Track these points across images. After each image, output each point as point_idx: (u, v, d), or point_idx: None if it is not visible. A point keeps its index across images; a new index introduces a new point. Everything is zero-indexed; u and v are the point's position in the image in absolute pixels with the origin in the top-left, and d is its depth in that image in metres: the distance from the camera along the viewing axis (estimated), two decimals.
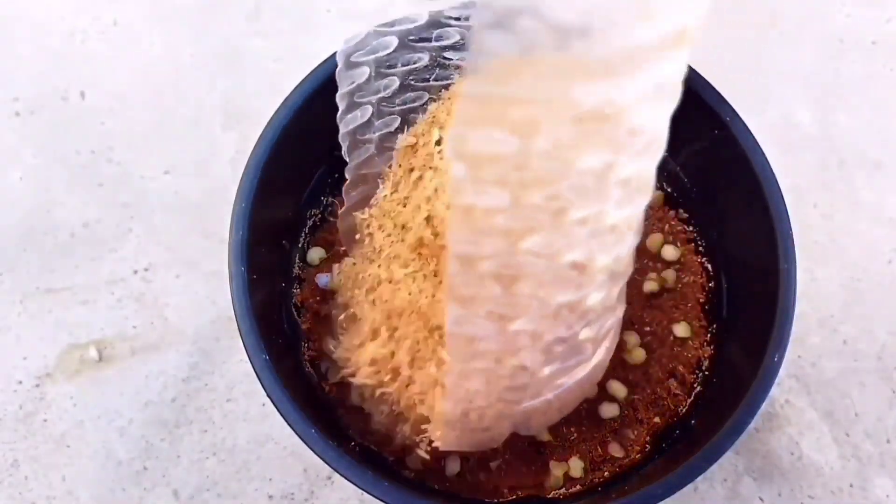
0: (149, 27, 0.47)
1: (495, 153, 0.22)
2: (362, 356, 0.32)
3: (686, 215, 0.39)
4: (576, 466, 0.35)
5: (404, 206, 0.31)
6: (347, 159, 0.35)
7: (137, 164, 0.45)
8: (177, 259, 0.43)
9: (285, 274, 0.37)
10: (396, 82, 0.34)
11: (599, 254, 0.26)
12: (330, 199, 0.39)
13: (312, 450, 0.30)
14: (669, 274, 0.38)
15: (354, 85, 0.33)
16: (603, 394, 0.36)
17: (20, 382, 0.41)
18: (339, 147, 0.38)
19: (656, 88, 0.23)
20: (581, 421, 0.36)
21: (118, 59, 0.47)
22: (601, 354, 0.31)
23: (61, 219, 0.44)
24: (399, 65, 0.33)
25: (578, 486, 0.35)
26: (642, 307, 0.38)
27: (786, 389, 0.41)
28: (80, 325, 0.42)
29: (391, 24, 0.33)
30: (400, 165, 0.32)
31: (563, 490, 0.35)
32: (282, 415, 0.30)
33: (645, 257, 0.38)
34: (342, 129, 0.34)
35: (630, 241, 0.27)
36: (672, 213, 0.39)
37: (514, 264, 0.25)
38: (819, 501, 0.39)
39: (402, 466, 0.35)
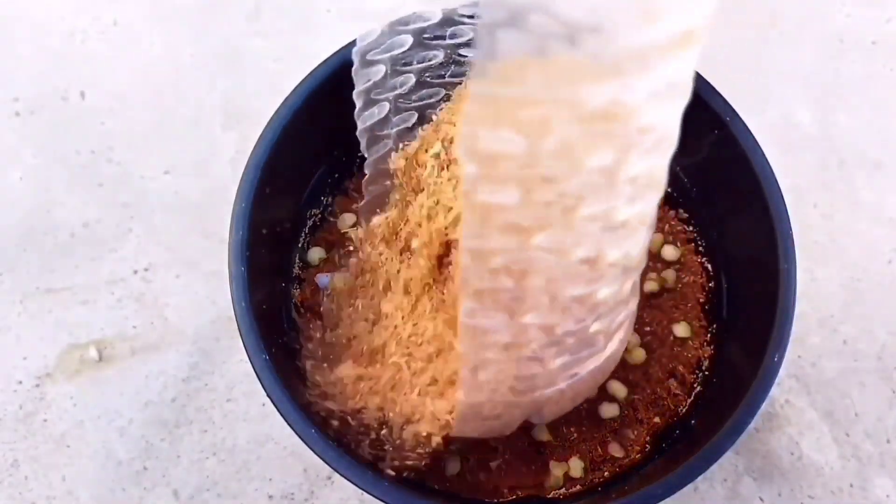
0: (149, 27, 0.47)
1: (505, 152, 0.23)
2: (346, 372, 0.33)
3: (686, 215, 0.39)
4: (576, 466, 0.35)
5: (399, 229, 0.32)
6: (366, 155, 0.35)
7: (137, 164, 0.45)
8: (177, 259, 0.43)
9: (285, 274, 0.37)
10: (412, 79, 0.34)
11: (610, 249, 0.26)
12: (330, 199, 0.39)
13: (312, 450, 0.30)
14: (669, 274, 0.38)
15: (371, 83, 0.33)
16: (603, 394, 0.36)
17: (20, 382, 0.41)
18: (338, 147, 0.38)
19: (666, 87, 0.23)
20: (581, 421, 0.36)
21: (118, 59, 0.47)
22: (614, 346, 0.31)
23: (61, 219, 0.44)
24: (414, 62, 0.34)
25: (578, 486, 0.35)
26: (642, 307, 0.38)
27: (786, 389, 0.41)
28: (80, 325, 0.42)
29: (406, 23, 0.33)
30: (402, 184, 0.33)
31: (563, 490, 0.35)
32: (282, 415, 0.30)
33: None
34: (360, 126, 0.34)
35: (643, 236, 0.28)
36: (672, 213, 0.39)
37: (525, 259, 0.25)
38: (819, 501, 0.39)
39: (402, 466, 0.35)
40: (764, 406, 0.31)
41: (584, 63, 0.21)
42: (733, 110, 0.34)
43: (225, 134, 0.45)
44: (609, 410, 0.36)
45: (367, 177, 0.35)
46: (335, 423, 0.34)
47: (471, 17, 0.34)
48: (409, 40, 0.33)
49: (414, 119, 0.35)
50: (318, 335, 0.36)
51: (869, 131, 0.45)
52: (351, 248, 0.37)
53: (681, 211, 0.39)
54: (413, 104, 0.35)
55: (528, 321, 0.27)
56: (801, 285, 0.32)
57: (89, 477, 0.40)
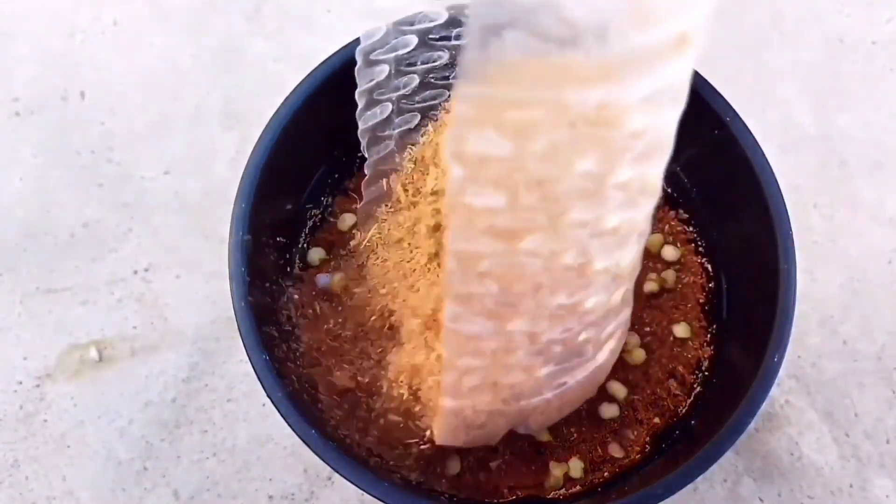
0: (149, 27, 0.47)
1: (492, 155, 0.22)
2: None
3: (686, 215, 0.39)
4: (575, 467, 0.35)
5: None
6: (367, 155, 0.35)
7: (137, 164, 0.45)
8: (177, 259, 0.43)
9: (285, 274, 0.37)
10: (416, 80, 0.34)
11: (599, 256, 0.26)
12: (330, 199, 0.39)
13: (312, 450, 0.30)
14: (669, 274, 0.38)
15: (374, 82, 0.33)
16: (603, 394, 0.36)
17: (20, 383, 0.41)
18: (338, 147, 0.38)
19: (658, 93, 0.23)
20: (581, 421, 0.36)
21: (118, 59, 0.47)
22: (604, 356, 0.31)
23: (61, 219, 0.44)
24: (419, 63, 0.34)
25: (578, 487, 0.35)
26: (642, 307, 0.38)
27: (786, 390, 0.41)
28: (80, 326, 0.42)
29: (410, 23, 0.33)
30: (406, 191, 0.33)
31: (562, 490, 0.35)
32: (282, 415, 0.30)
33: (645, 257, 0.38)
34: (361, 126, 0.34)
35: (634, 245, 0.27)
36: (672, 213, 0.39)
37: (511, 264, 0.25)
38: (819, 502, 0.39)
39: (402, 467, 0.35)
40: (764, 406, 0.31)
41: (573, 66, 0.21)
42: (733, 110, 0.34)
43: (225, 134, 0.45)
44: (609, 411, 0.36)
45: (367, 178, 0.35)
46: (332, 422, 0.34)
47: None
48: (413, 40, 0.33)
49: (417, 120, 0.34)
50: (318, 335, 0.36)
51: (869, 131, 0.45)
52: (351, 248, 0.37)
53: (681, 211, 0.39)
54: (416, 105, 0.34)
55: (514, 328, 0.27)
56: (801, 285, 0.32)
57: (89, 477, 0.40)
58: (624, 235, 0.26)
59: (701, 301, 0.38)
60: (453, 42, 0.34)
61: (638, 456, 0.36)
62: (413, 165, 0.33)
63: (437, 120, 0.34)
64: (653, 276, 0.38)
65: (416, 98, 0.34)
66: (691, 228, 0.39)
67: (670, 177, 0.39)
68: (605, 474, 0.35)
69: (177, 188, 0.44)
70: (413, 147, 0.34)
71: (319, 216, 0.39)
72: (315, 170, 0.38)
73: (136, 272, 0.43)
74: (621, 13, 0.20)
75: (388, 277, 0.33)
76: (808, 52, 0.47)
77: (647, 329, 0.37)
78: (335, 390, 0.35)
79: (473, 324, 0.26)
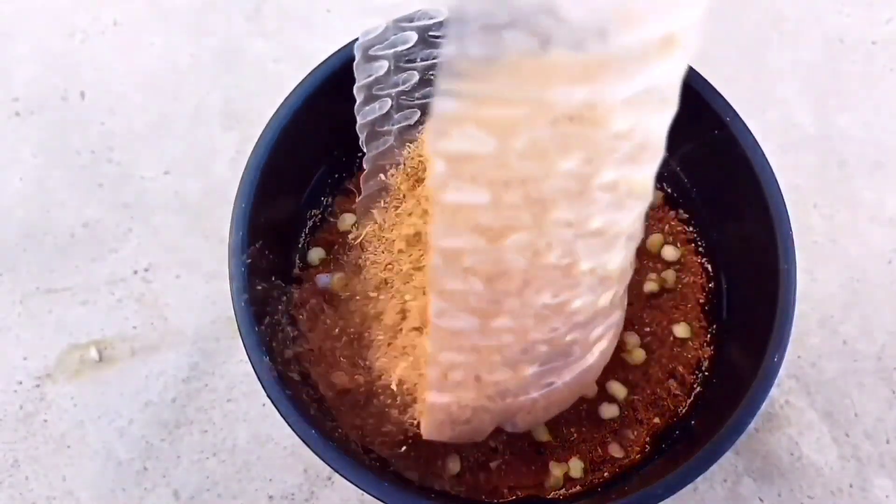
0: (149, 27, 0.47)
1: (474, 151, 0.22)
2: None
3: (686, 215, 0.39)
4: (575, 467, 0.35)
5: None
6: (365, 150, 0.35)
7: (137, 164, 0.45)
8: (177, 259, 0.43)
9: (285, 274, 0.37)
10: (416, 77, 0.34)
11: (586, 257, 0.26)
12: (330, 199, 0.39)
13: (312, 450, 0.30)
14: (669, 274, 0.38)
15: (373, 78, 0.33)
16: (603, 394, 0.36)
17: (20, 383, 0.41)
18: (338, 147, 0.38)
19: (645, 94, 0.22)
20: (581, 421, 0.36)
21: (118, 59, 0.47)
22: (594, 358, 0.30)
23: (61, 219, 0.44)
24: (418, 59, 0.34)
25: (578, 487, 0.35)
26: (642, 307, 0.38)
27: (786, 390, 0.41)
28: (80, 326, 0.42)
29: (410, 20, 0.33)
30: (401, 187, 0.33)
31: (562, 490, 0.35)
32: (282, 415, 0.30)
33: (645, 257, 0.38)
34: (360, 120, 0.34)
35: (622, 248, 0.27)
36: (672, 213, 0.39)
37: (495, 261, 0.25)
38: (819, 502, 0.39)
39: (402, 466, 0.35)
40: (764, 406, 0.31)
41: (556, 64, 0.21)
42: (733, 110, 0.34)
43: (225, 134, 0.45)
44: (609, 411, 0.36)
45: (365, 172, 0.35)
46: (332, 422, 0.34)
47: None
48: (413, 37, 0.33)
49: (416, 116, 0.34)
50: (318, 335, 0.36)
51: (869, 131, 0.45)
52: (351, 248, 0.37)
53: (681, 211, 0.39)
54: (416, 102, 0.34)
55: (499, 325, 0.26)
56: (801, 286, 0.32)
57: (89, 477, 0.40)
58: (612, 237, 0.26)
59: (701, 301, 0.38)
60: None
61: (638, 456, 0.36)
62: (411, 161, 0.33)
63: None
64: (653, 276, 0.38)
65: (416, 94, 0.34)
66: (691, 228, 0.39)
67: (670, 177, 0.39)
68: (605, 474, 0.35)
69: (177, 188, 0.44)
70: (412, 143, 0.34)
71: (319, 216, 0.39)
72: (315, 170, 0.38)
73: (136, 272, 0.43)
74: (606, 13, 0.20)
75: (387, 276, 0.33)
76: (808, 52, 0.47)
77: (647, 329, 0.37)
78: (335, 390, 0.35)
79: (458, 319, 0.26)
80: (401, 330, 0.32)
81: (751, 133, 0.33)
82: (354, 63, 0.33)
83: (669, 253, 0.38)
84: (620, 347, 0.35)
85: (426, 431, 0.31)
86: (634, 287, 0.38)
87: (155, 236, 0.43)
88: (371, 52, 0.33)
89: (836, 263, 0.43)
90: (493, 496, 0.35)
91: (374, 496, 0.29)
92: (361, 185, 0.36)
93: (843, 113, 0.46)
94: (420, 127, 0.34)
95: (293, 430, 0.30)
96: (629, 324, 0.37)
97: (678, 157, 0.38)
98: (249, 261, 0.32)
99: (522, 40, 0.20)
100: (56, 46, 0.47)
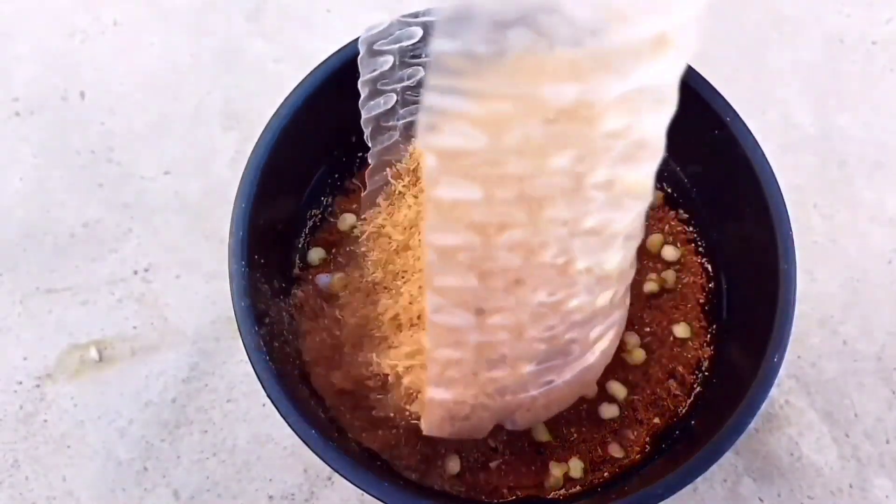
0: (149, 27, 0.47)
1: (465, 147, 0.22)
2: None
3: (686, 215, 0.39)
4: (575, 467, 0.35)
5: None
6: (370, 144, 0.35)
7: (137, 164, 0.45)
8: (177, 259, 0.43)
9: (285, 274, 0.37)
10: (421, 72, 0.34)
11: (582, 256, 0.25)
12: (330, 199, 0.39)
13: (312, 450, 0.30)
14: (669, 274, 0.38)
15: (377, 73, 0.33)
16: (603, 394, 0.36)
17: (20, 383, 0.41)
18: (338, 147, 0.38)
19: (638, 93, 0.22)
20: (581, 421, 0.36)
21: (118, 59, 0.47)
22: (594, 357, 0.30)
23: (61, 219, 0.44)
24: (423, 55, 0.33)
25: (578, 487, 0.35)
26: (642, 307, 0.38)
27: (786, 390, 0.41)
28: (80, 326, 0.42)
29: (416, 15, 0.33)
30: (403, 181, 0.33)
31: (562, 490, 0.35)
32: (282, 415, 0.30)
33: (645, 257, 0.38)
34: (364, 115, 0.34)
35: (620, 247, 0.27)
36: (672, 213, 0.39)
37: (489, 258, 0.25)
38: (819, 502, 0.39)
39: (402, 466, 0.35)
40: (764, 406, 0.31)
41: (548, 62, 0.21)
42: (733, 110, 0.34)
43: (225, 134, 0.45)
44: (609, 411, 0.36)
45: (370, 167, 0.35)
46: (332, 422, 0.34)
47: None
48: (418, 32, 0.33)
49: None
50: (318, 335, 0.36)
51: (869, 131, 0.45)
52: (351, 248, 0.37)
53: (681, 211, 0.39)
54: (421, 97, 0.34)
55: (495, 322, 0.26)
56: (801, 286, 0.32)
57: (89, 477, 0.40)
58: (609, 237, 0.26)
59: (701, 301, 0.38)
60: None
61: (638, 456, 0.36)
62: (415, 157, 0.33)
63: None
64: (653, 276, 0.38)
65: (421, 90, 0.34)
66: (691, 228, 0.39)
67: (670, 177, 0.39)
68: (605, 474, 0.35)
69: (177, 188, 0.44)
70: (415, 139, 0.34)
71: (319, 216, 0.39)
72: (315, 170, 0.38)
73: (136, 272, 0.43)
74: (598, 11, 0.20)
75: (387, 276, 0.33)
76: (808, 52, 0.47)
77: (647, 329, 0.37)
78: (335, 390, 0.35)
79: (454, 316, 0.26)
80: (401, 329, 0.33)
81: (751, 133, 0.33)
82: (359, 57, 0.33)
83: (669, 253, 0.38)
84: (620, 347, 0.35)
85: (426, 427, 0.31)
86: (634, 287, 0.37)
87: (155, 236, 0.43)
88: (375, 47, 0.33)
89: (836, 263, 0.43)
90: (493, 496, 0.35)
91: (374, 496, 0.29)
92: (367, 180, 0.35)
93: (843, 113, 0.46)
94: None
95: (293, 430, 0.30)
96: (629, 324, 0.37)
97: (678, 156, 0.38)
98: (249, 261, 0.32)
99: (526, 38, 0.20)
100: (56, 46, 0.47)
